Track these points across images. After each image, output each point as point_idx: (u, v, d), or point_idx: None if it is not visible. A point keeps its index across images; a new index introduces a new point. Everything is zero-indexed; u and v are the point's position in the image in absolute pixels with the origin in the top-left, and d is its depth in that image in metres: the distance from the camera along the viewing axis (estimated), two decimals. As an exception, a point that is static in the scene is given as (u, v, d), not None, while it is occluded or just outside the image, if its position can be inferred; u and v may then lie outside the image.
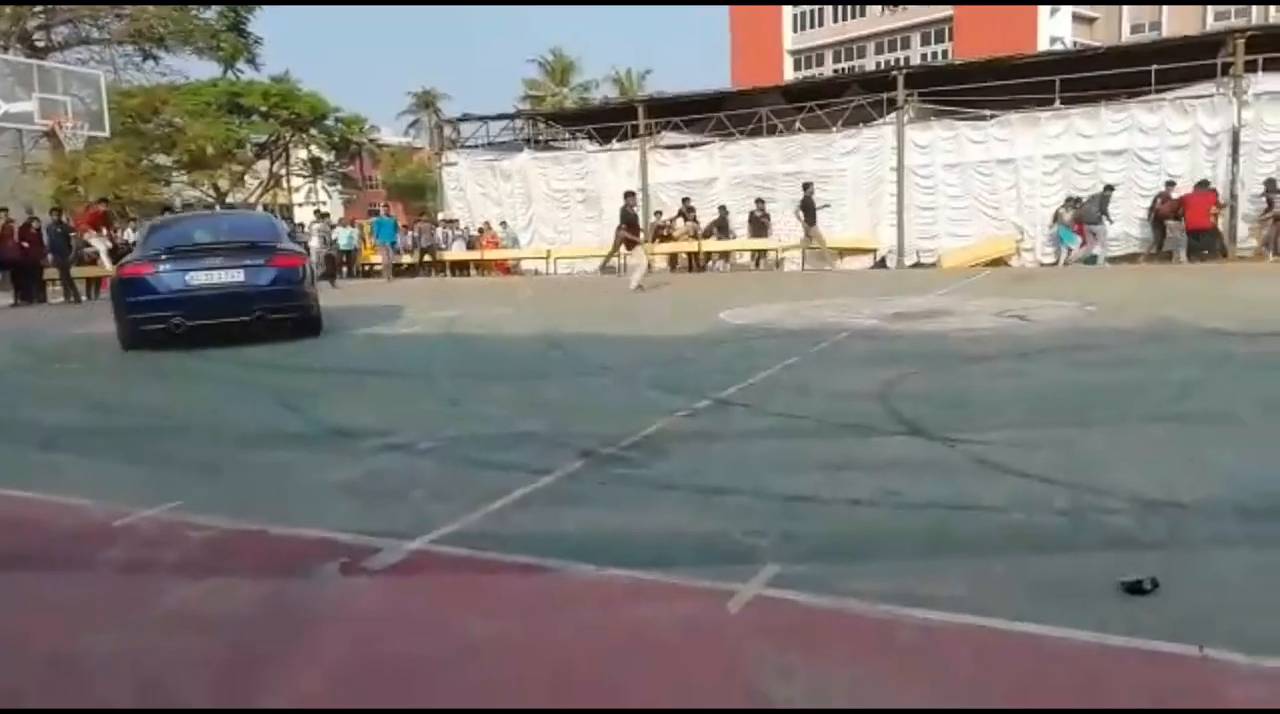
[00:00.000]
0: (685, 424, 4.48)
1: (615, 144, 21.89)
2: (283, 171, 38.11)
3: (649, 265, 15.13)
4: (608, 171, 21.73)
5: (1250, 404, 4.42)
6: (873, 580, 2.44)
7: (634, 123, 21.33)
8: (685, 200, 20.27)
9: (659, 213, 20.95)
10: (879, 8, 46.59)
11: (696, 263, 20.43)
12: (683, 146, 21.16)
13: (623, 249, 16.09)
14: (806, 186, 17.99)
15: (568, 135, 25.18)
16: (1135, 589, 2.29)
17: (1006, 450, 3.70)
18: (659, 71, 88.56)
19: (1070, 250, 16.68)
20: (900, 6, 45.75)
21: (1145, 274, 13.44)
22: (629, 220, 15.04)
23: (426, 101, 56.53)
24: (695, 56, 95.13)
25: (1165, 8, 43.32)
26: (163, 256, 8.27)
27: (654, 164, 21.25)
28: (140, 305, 8.09)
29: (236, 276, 8.31)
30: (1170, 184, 16.12)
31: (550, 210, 22.48)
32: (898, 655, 2.08)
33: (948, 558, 2.64)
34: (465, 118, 24.58)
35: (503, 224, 22.67)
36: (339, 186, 43.40)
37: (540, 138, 24.96)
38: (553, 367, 6.88)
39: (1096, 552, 2.63)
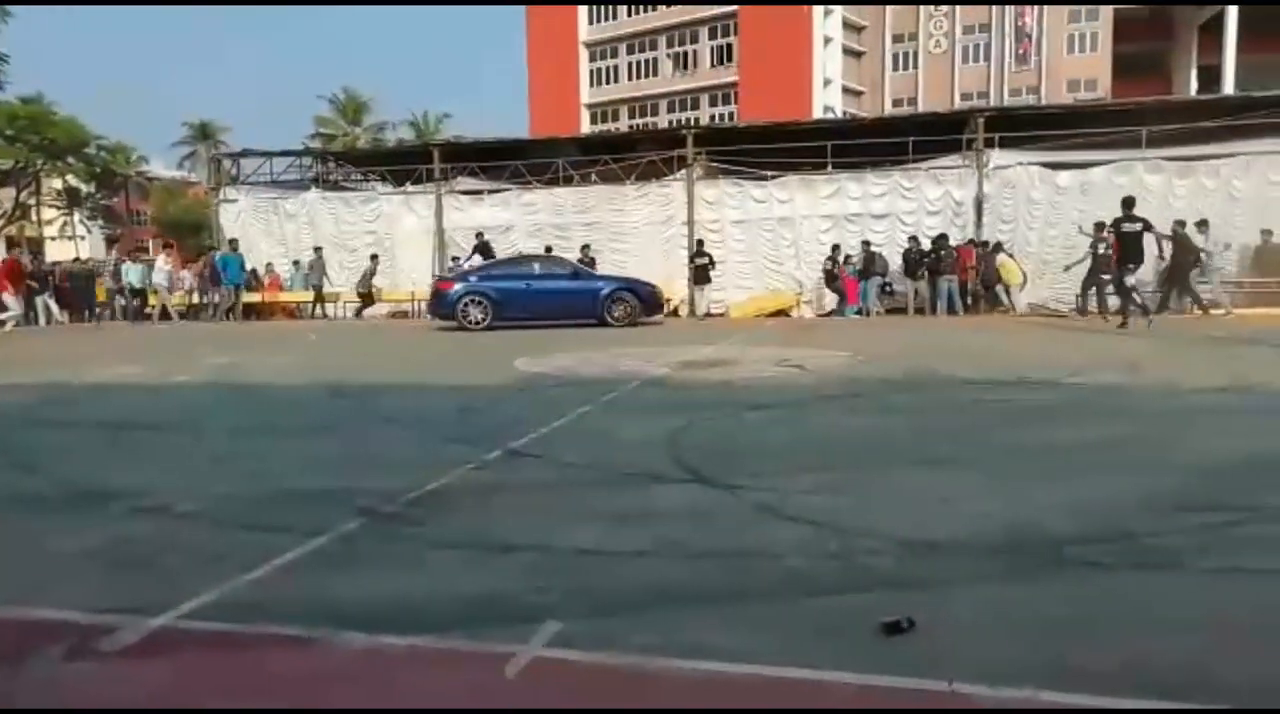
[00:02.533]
0: (474, 477, 4.36)
1: (410, 187, 21.45)
2: (32, 202, 34.37)
3: None
4: (401, 214, 21.23)
5: (993, 449, 4.88)
6: (654, 633, 2.44)
7: (430, 166, 21.01)
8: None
9: (455, 258, 20.66)
10: (671, 70, 48.86)
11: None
12: (479, 192, 21.06)
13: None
14: (584, 248, 19.24)
15: (359, 176, 24.42)
16: (894, 629, 2.42)
17: (784, 496, 3.85)
18: (458, 117, 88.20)
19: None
20: (690, 69, 48.21)
21: (908, 326, 14.68)
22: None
23: (205, 133, 53.10)
24: (495, 103, 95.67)
25: (920, 87, 48.32)
26: None
27: (450, 209, 20.98)
28: None
29: None
30: (914, 239, 17.87)
31: (339, 252, 21.61)
32: (674, 710, 2.08)
33: (727, 606, 2.68)
34: (247, 153, 23.27)
35: (295, 263, 21.55)
36: (100, 221, 39.70)
37: (330, 177, 24.04)
38: (334, 418, 6.52)
39: (863, 593, 2.77)
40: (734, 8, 45.76)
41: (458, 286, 15.64)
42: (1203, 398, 6.57)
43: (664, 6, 48.33)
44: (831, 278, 18.15)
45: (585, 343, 12.19)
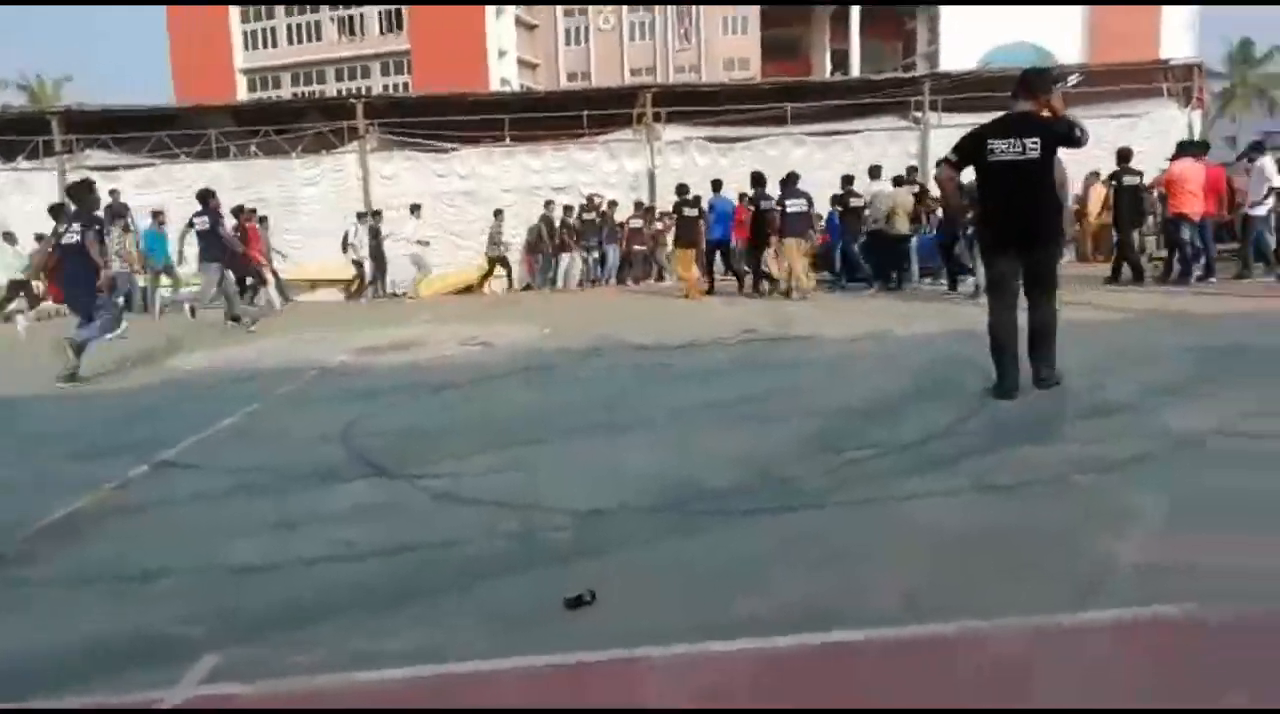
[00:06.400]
0: (114, 498, 3.83)
1: (23, 161, 18.40)
2: None
3: None
4: (11, 193, 18.15)
5: (662, 411, 5.15)
6: (322, 649, 2.29)
7: (49, 138, 18.16)
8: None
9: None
10: (336, 35, 46.19)
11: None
12: (115, 168, 18.55)
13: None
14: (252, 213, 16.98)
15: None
16: (577, 604, 2.46)
17: (465, 480, 3.79)
18: (82, 79, 76.92)
19: None
20: (357, 35, 45.88)
21: (595, 297, 15.16)
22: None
23: None
24: (129, 65, 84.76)
25: (593, 61, 49.74)
26: None
27: (81, 187, 18.28)
28: None
29: None
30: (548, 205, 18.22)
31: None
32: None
33: (403, 606, 2.57)
34: None
35: None
36: None
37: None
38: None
39: (545, 570, 2.78)
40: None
41: None
42: (843, 347, 7.40)
43: (320, -34, 45.35)
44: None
45: (263, 329, 11.22)
